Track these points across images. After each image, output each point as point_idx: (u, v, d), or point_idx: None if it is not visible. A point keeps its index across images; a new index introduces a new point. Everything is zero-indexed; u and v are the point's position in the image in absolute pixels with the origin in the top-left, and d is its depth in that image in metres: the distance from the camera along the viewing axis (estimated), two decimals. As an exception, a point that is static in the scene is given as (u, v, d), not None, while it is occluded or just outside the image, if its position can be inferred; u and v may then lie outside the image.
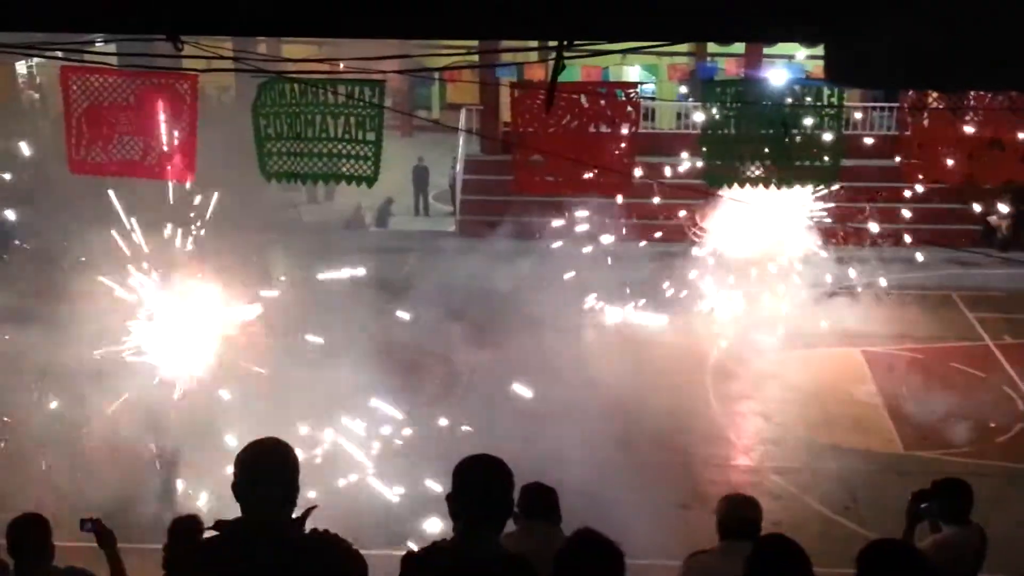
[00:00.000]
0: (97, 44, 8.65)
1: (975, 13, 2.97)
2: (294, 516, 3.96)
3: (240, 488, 3.91)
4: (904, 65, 3.02)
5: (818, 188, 9.00)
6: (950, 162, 9.40)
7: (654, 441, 12.02)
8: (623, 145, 8.30)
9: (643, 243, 18.61)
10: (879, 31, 2.93)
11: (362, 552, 4.08)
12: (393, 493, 10.77)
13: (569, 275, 16.95)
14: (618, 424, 12.29)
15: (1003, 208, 22.08)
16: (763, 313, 17.08)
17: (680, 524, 9.74)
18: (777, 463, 12.07)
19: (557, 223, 18.07)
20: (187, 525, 6.62)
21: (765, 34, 4.84)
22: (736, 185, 8.79)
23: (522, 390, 12.87)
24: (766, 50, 28.77)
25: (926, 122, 9.40)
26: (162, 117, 8.10)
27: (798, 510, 10.89)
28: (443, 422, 12.36)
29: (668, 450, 11.74)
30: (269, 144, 8.11)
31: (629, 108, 8.37)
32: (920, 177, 9.98)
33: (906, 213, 19.38)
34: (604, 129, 8.28)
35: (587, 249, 17.45)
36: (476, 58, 23.83)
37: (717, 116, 8.74)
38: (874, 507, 10.90)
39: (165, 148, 8.24)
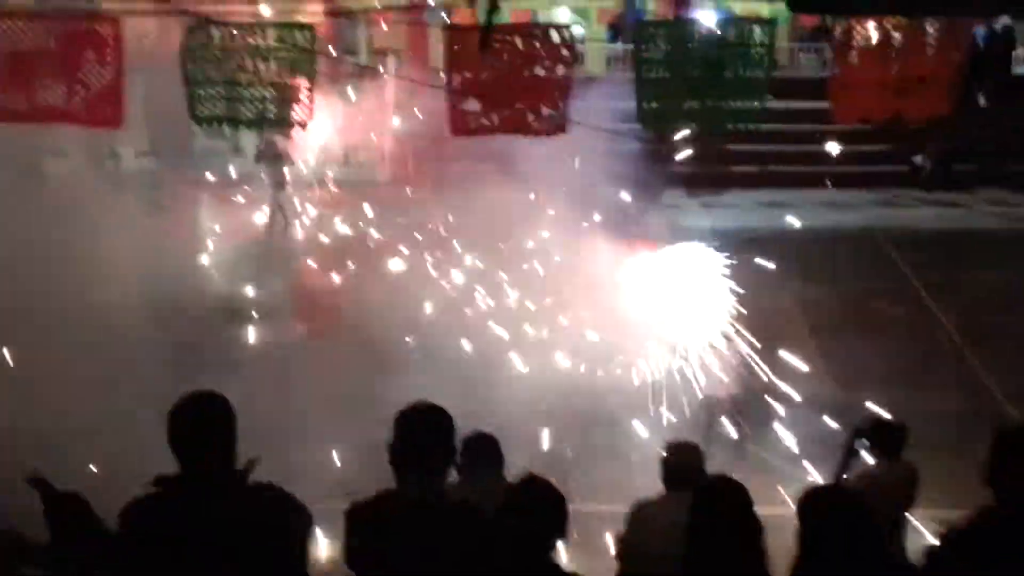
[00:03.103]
0: (15, -13, 8.37)
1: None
2: (236, 468, 3.90)
3: (176, 442, 3.83)
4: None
5: (747, 127, 9.01)
6: (878, 100, 9.50)
7: (595, 388, 12.05)
8: (559, 87, 8.27)
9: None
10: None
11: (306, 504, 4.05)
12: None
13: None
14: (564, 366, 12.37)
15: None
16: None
17: (624, 471, 9.83)
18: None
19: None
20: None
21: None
22: (670, 126, 8.81)
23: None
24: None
25: (854, 61, 9.47)
26: (86, 62, 7.86)
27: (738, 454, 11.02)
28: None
29: (609, 393, 11.76)
30: (200, 89, 7.94)
31: (564, 50, 8.32)
32: (848, 116, 10.06)
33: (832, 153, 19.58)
34: (539, 71, 8.22)
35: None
36: (403, 1, 23.47)
37: (647, 59, 8.73)
38: (813, 447, 11.11)
39: (90, 93, 8.00)
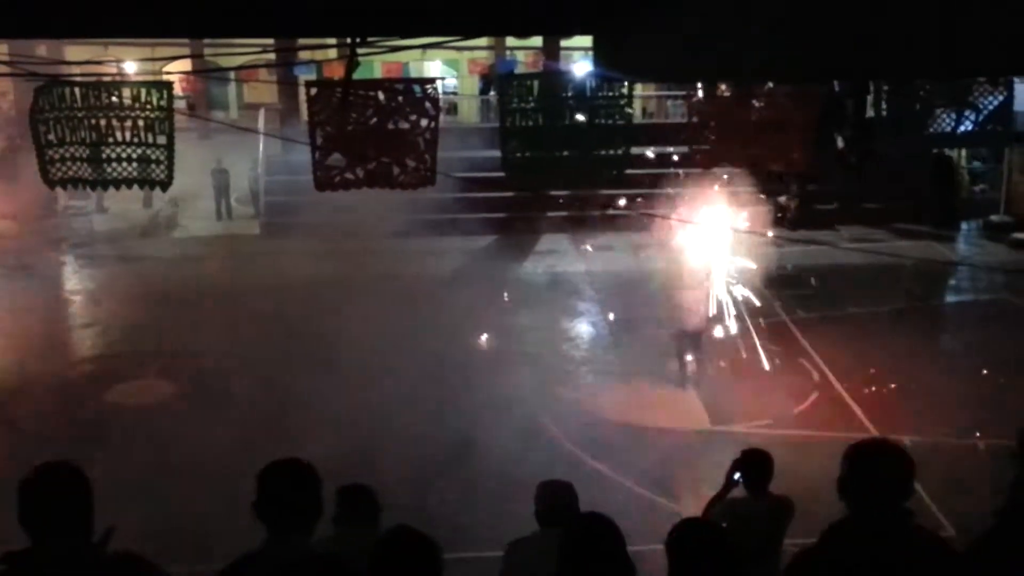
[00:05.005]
0: None
1: (741, 7, 3.11)
2: (93, 540, 3.76)
3: (27, 518, 3.68)
4: (671, 58, 3.13)
5: (612, 175, 9.21)
6: (738, 147, 9.82)
7: (468, 433, 12.10)
8: (423, 140, 8.28)
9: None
10: (650, 24, 3.02)
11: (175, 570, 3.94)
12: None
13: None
14: (428, 417, 12.41)
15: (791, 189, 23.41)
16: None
17: (501, 515, 9.83)
18: (593, 447, 12.31)
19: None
20: None
21: (552, 27, 4.93)
22: (534, 175, 8.93)
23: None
24: (564, 43, 29.40)
25: (713, 110, 9.79)
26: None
27: (615, 492, 11.14)
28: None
29: (483, 442, 11.80)
30: (51, 151, 7.72)
31: (428, 103, 8.35)
32: (710, 162, 10.36)
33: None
34: (403, 125, 8.23)
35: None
36: (272, 57, 23.43)
37: (514, 109, 8.86)
38: (687, 483, 11.31)
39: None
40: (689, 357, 14.64)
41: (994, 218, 24.67)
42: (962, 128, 9.32)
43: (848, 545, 3.86)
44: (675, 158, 20.00)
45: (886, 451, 3.96)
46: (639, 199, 20.65)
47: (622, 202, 20.46)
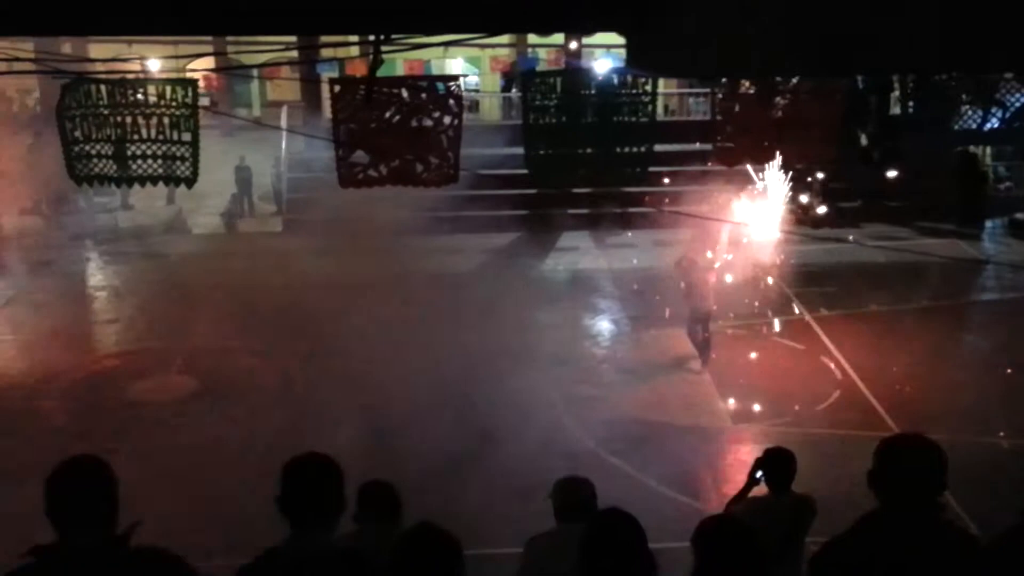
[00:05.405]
0: None
1: (769, 2, 3.10)
2: (117, 534, 3.78)
3: (53, 511, 3.71)
4: (700, 53, 3.13)
5: (636, 173, 9.18)
6: (759, 145, 9.77)
7: (489, 431, 12.11)
8: (447, 137, 8.28)
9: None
10: (676, 20, 3.02)
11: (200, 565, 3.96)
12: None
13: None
14: (450, 415, 12.44)
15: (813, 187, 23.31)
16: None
17: (521, 512, 9.84)
18: (613, 444, 12.32)
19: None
20: None
21: (574, 24, 4.93)
22: (558, 174, 8.91)
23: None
24: (587, 40, 29.39)
25: (737, 107, 9.74)
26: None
27: (636, 489, 11.14)
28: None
29: (504, 439, 11.82)
30: (77, 147, 7.76)
31: (451, 101, 8.34)
32: (733, 160, 10.32)
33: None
34: (427, 122, 8.23)
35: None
36: (295, 54, 23.51)
37: (537, 107, 8.84)
38: (707, 481, 11.30)
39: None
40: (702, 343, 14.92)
41: (1019, 216, 24.46)
42: (988, 125, 9.24)
43: (877, 537, 3.85)
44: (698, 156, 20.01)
45: (920, 445, 3.94)
46: (665, 197, 20.65)
47: (645, 199, 20.44)
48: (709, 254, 14.80)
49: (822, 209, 23.66)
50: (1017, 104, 9.23)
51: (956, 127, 9.27)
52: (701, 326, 14.96)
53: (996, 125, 9.28)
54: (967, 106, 9.20)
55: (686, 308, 15.06)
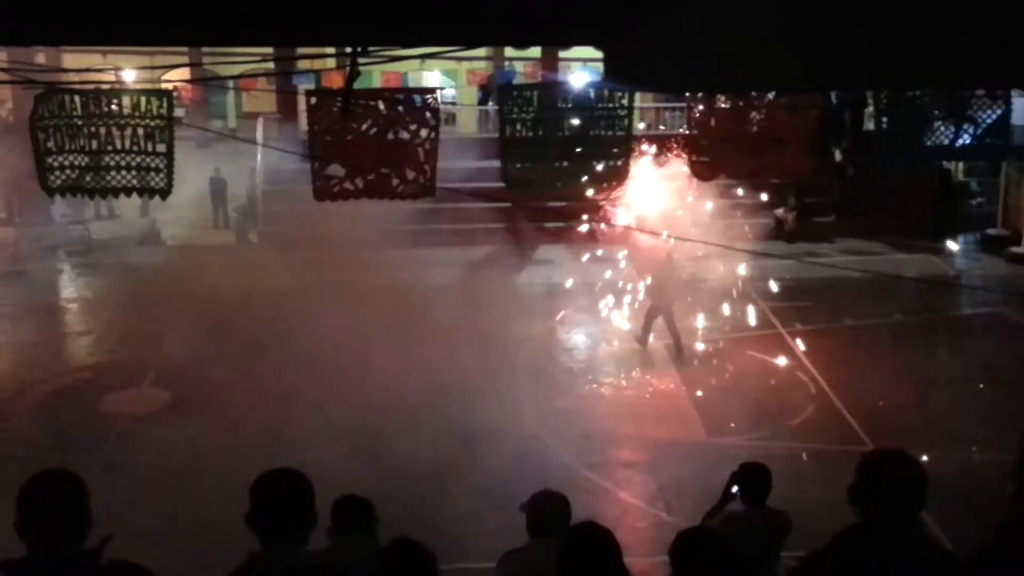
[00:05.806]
0: None
1: (745, 18, 3.11)
2: (88, 548, 3.74)
3: (23, 525, 3.67)
4: (676, 68, 3.14)
5: (611, 187, 9.21)
6: (736, 160, 9.82)
7: (463, 442, 12.08)
8: (423, 150, 8.26)
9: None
10: (653, 35, 3.02)
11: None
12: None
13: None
14: (426, 424, 12.41)
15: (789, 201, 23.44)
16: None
17: (494, 525, 9.82)
18: (588, 458, 12.31)
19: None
20: None
21: (551, 38, 4.94)
22: (534, 187, 8.91)
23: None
24: (564, 53, 29.43)
25: (713, 121, 9.79)
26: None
27: (611, 503, 11.15)
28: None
29: (478, 451, 11.79)
30: (50, 158, 7.70)
31: (428, 113, 8.34)
32: (709, 175, 10.36)
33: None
34: (403, 135, 8.21)
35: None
36: (271, 66, 23.41)
37: (514, 120, 8.85)
38: (681, 495, 11.30)
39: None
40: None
41: (991, 231, 24.70)
42: (960, 141, 9.32)
43: (855, 553, 3.85)
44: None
45: (903, 461, 3.96)
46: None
47: (619, 213, 20.42)
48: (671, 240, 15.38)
49: (795, 224, 23.78)
50: (989, 120, 9.31)
51: (929, 143, 9.33)
52: (665, 319, 16.02)
53: (968, 141, 9.36)
54: (939, 122, 9.28)
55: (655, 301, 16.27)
